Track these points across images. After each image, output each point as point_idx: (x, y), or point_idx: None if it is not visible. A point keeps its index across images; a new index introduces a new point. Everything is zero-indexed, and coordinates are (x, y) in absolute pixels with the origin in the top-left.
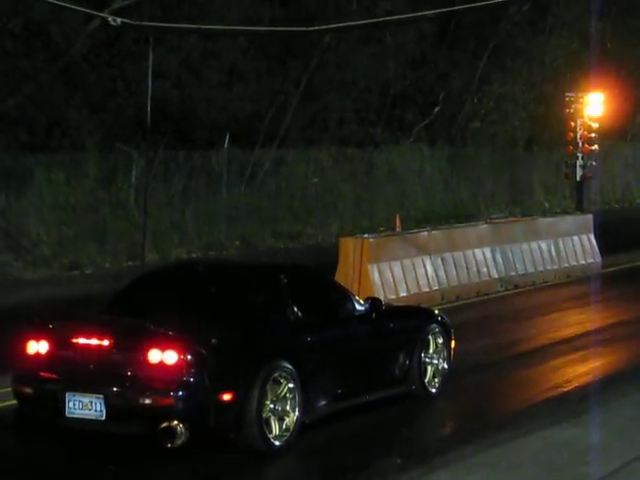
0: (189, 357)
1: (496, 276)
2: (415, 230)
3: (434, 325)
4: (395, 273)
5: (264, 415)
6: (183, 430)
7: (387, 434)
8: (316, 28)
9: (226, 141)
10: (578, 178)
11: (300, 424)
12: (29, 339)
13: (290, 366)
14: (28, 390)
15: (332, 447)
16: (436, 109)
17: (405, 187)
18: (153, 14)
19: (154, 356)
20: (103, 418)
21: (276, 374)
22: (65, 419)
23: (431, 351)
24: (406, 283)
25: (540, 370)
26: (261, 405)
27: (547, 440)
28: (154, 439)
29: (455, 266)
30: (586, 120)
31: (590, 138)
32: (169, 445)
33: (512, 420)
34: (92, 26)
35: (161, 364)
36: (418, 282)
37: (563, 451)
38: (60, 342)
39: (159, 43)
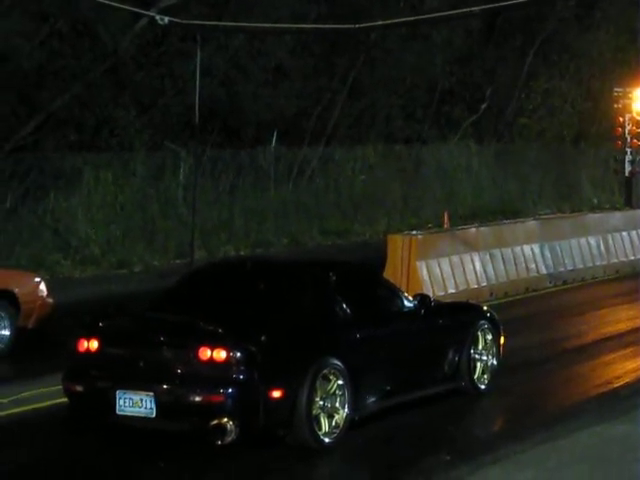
0: (239, 354)
1: (545, 272)
2: (463, 226)
3: (483, 321)
4: (443, 270)
5: (314, 412)
6: (233, 427)
7: (436, 431)
8: (362, 25)
9: (273, 139)
10: (627, 173)
11: (349, 421)
12: (79, 337)
13: (339, 363)
14: (79, 388)
15: (381, 444)
16: (483, 105)
17: (453, 184)
18: (200, 13)
19: (204, 353)
20: (153, 415)
21: (325, 371)
22: (115, 416)
23: (480, 347)
24: (454, 279)
25: (590, 366)
26: (311, 402)
27: (597, 436)
28: (204, 436)
29: (504, 262)
30: (635, 115)
31: (639, 133)
32: (219, 442)
33: (562, 416)
34: (139, 25)
35: (211, 361)
36: (466, 278)
37: (613, 447)
38: (110, 340)
39: (206, 42)
